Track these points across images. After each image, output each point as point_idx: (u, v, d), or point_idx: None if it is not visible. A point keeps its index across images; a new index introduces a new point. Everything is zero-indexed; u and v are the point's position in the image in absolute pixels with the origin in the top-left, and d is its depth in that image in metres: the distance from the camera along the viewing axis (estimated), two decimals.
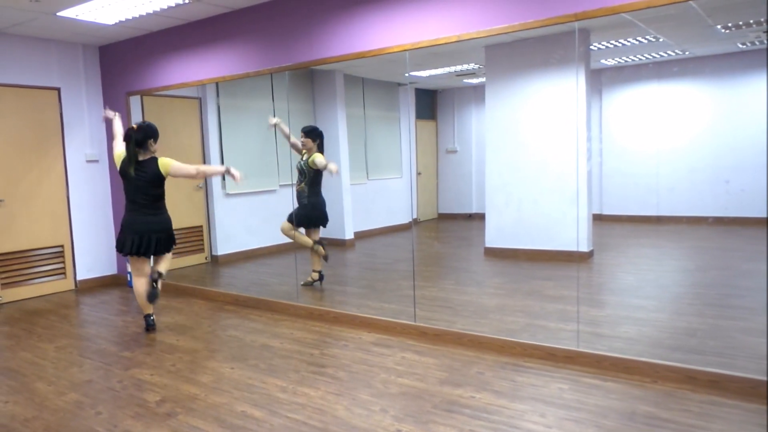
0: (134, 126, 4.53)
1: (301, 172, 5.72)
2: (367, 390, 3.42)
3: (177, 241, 4.90)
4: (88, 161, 6.59)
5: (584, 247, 5.75)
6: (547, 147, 6.03)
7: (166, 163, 4.55)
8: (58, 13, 5.13)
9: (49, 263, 6.31)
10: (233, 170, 4.53)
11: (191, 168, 4.60)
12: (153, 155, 4.59)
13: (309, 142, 5.63)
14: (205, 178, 4.74)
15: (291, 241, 5.90)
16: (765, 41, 5.61)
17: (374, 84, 8.53)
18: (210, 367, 3.92)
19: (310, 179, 5.67)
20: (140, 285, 4.69)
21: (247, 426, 3.01)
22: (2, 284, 5.93)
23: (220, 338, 4.57)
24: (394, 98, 8.83)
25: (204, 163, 7.10)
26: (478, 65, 7.00)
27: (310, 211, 5.74)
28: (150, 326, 4.81)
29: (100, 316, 5.42)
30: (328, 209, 7.99)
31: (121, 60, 6.44)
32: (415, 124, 8.51)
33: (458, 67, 7.17)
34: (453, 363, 3.80)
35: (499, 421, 2.95)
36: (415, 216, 8.31)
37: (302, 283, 5.77)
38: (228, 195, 7.27)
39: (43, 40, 6.15)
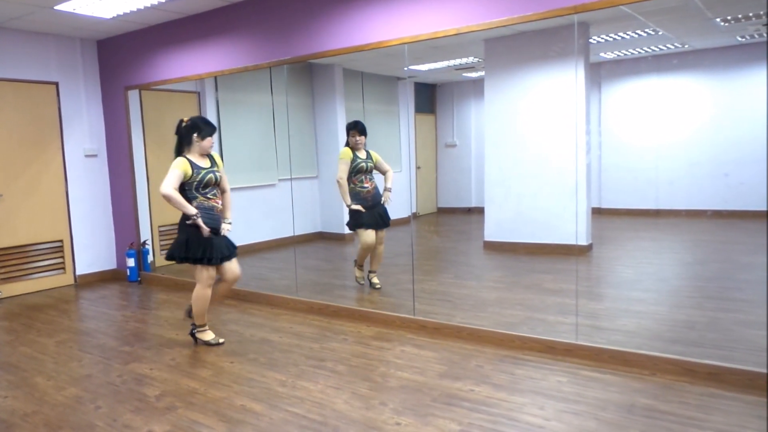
0: (185, 119, 4.15)
1: (368, 170, 5.31)
2: (367, 383, 3.42)
3: (184, 257, 4.10)
4: (87, 156, 6.58)
5: (583, 241, 5.75)
6: (546, 141, 6.03)
7: (173, 163, 4.06)
8: (55, 7, 5.11)
9: (48, 258, 6.31)
10: (200, 223, 3.98)
11: (163, 186, 3.93)
12: (201, 152, 4.14)
13: (363, 139, 5.30)
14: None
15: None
16: (764, 34, 5.60)
17: (373, 78, 8.50)
18: (209, 361, 3.92)
19: (371, 177, 5.39)
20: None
21: (246, 420, 3.02)
22: (1, 279, 5.93)
23: (219, 332, 4.57)
24: (393, 92, 8.81)
25: None
26: (477, 59, 6.98)
27: (385, 210, 5.41)
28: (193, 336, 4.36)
29: (99, 310, 5.42)
30: (328, 204, 8.00)
31: (120, 54, 6.43)
32: (414, 118, 8.50)
33: (457, 61, 7.16)
34: (452, 356, 3.81)
35: (498, 414, 2.96)
36: (414, 210, 8.31)
37: (378, 286, 5.45)
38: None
39: (41, 35, 6.13)
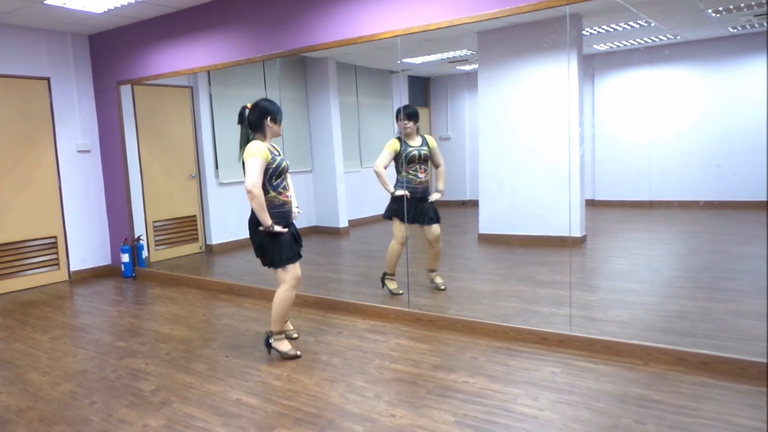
0: (249, 104, 3.71)
1: (422, 159, 4.85)
2: (362, 376, 3.43)
3: (271, 260, 3.73)
4: (80, 151, 6.55)
5: (577, 233, 5.77)
6: (539, 133, 6.03)
7: (248, 149, 3.61)
8: (46, 2, 5.08)
9: (42, 254, 6.29)
10: (278, 230, 3.65)
11: (247, 180, 3.55)
12: (266, 139, 3.71)
13: (413, 124, 4.86)
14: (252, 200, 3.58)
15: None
16: (756, 25, 5.61)
17: (367, 71, 8.49)
18: (205, 355, 3.93)
19: (427, 167, 4.92)
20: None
21: (242, 413, 3.03)
22: None
23: (214, 327, 4.58)
24: (387, 86, 8.80)
25: (197, 154, 7.08)
26: (470, 51, 6.97)
27: (433, 207, 4.94)
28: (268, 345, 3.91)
29: (94, 306, 5.42)
30: (322, 198, 7.99)
31: (111, 49, 6.39)
32: None
33: (451, 54, 7.14)
34: (447, 348, 3.83)
35: (493, 405, 2.98)
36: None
37: (442, 287, 5.07)
38: (222, 184, 7.26)
39: (32, 30, 6.08)
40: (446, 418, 2.86)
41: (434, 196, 4.89)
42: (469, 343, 3.90)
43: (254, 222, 3.70)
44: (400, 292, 4.99)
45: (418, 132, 4.93)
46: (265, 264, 3.78)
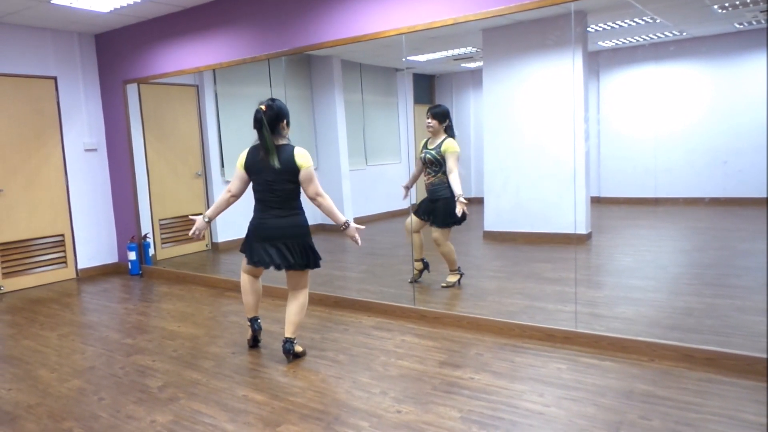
0: (263, 106, 3.50)
1: (432, 162, 4.85)
2: (368, 373, 3.45)
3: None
4: (87, 150, 6.59)
5: (582, 230, 5.77)
6: (544, 130, 6.03)
7: (304, 156, 3.54)
8: (52, 1, 5.11)
9: (50, 252, 6.33)
10: (353, 229, 3.67)
11: (315, 187, 3.55)
12: (287, 142, 3.62)
13: (436, 124, 4.82)
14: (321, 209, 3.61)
15: None
16: (762, 21, 5.59)
17: (372, 69, 8.50)
18: (211, 352, 3.95)
19: (445, 168, 4.80)
20: (245, 281, 3.84)
21: (248, 410, 3.05)
22: (3, 273, 5.95)
23: (221, 324, 4.60)
24: (392, 83, 8.81)
25: (203, 153, 7.10)
26: (475, 49, 6.97)
27: (451, 206, 4.74)
28: (256, 332, 3.90)
29: (101, 303, 5.45)
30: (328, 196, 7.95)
31: (118, 48, 6.42)
32: (413, 109, 8.49)
33: (456, 51, 7.14)
34: (452, 345, 3.84)
35: (498, 402, 2.99)
36: (413, 201, 8.32)
37: (443, 284, 5.08)
38: (228, 182, 7.27)
39: (39, 29, 6.12)
40: (452, 414, 2.87)
41: (458, 208, 4.62)
42: (475, 339, 3.91)
43: (297, 224, 3.63)
44: (413, 277, 5.18)
45: (447, 132, 4.86)
46: (295, 267, 3.61)
